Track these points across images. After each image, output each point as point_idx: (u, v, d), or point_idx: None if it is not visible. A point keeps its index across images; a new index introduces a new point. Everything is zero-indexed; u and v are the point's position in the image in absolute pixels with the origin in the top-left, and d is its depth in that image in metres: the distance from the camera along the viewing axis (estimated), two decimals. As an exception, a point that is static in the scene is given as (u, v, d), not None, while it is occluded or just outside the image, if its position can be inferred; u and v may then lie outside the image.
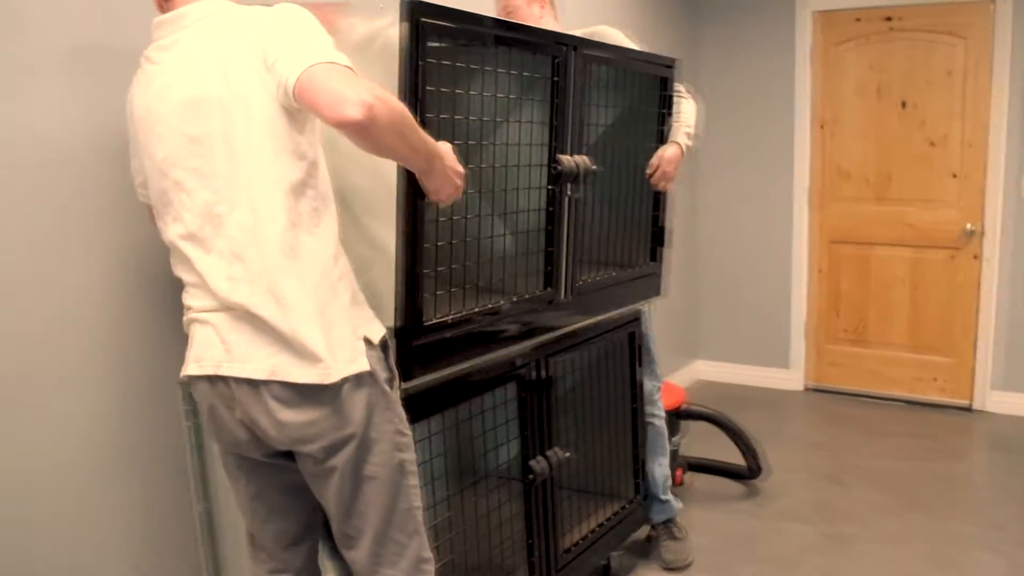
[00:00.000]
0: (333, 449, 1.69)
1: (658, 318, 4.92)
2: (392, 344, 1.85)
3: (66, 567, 2.04)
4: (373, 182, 1.88)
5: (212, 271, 1.66)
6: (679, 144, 2.95)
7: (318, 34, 1.59)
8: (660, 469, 3.25)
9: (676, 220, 5.10)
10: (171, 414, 2.23)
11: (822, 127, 5.02)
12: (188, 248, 1.69)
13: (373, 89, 1.49)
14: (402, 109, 1.55)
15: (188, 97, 1.63)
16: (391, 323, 1.92)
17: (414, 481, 1.79)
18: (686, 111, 3.02)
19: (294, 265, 1.63)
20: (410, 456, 1.79)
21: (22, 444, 1.94)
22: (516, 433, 2.52)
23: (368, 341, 1.72)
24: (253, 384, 1.66)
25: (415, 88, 1.84)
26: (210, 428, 1.82)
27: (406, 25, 1.80)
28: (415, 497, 1.79)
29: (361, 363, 1.69)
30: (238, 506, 1.93)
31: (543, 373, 2.54)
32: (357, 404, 1.69)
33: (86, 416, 2.06)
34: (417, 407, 2.06)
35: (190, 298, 1.74)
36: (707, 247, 5.43)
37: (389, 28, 1.82)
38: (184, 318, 1.77)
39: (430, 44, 1.88)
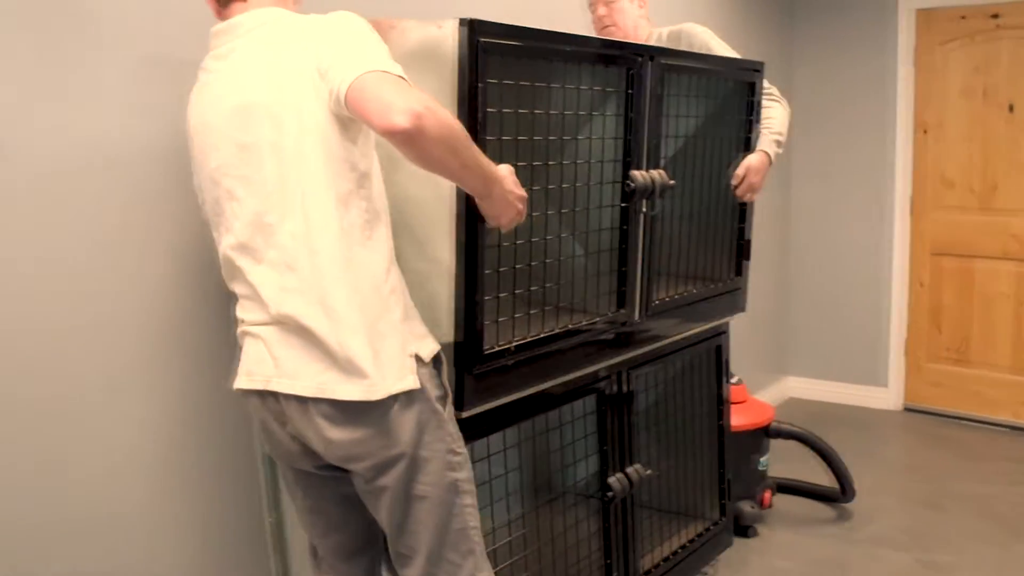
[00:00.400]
0: (382, 468, 1.65)
1: (747, 332, 4.78)
2: (446, 362, 1.79)
3: (140, 571, 2.02)
4: (433, 197, 1.83)
5: (264, 282, 1.63)
6: (766, 152, 2.80)
7: (373, 42, 1.55)
8: None
9: (766, 229, 4.93)
10: (241, 423, 2.20)
11: (924, 132, 4.78)
12: (239, 259, 1.66)
13: (424, 100, 1.45)
14: (454, 123, 1.50)
15: (239, 104, 1.60)
16: (450, 339, 1.86)
17: (469, 500, 1.73)
18: (775, 116, 2.87)
19: (345, 276, 1.59)
20: (464, 475, 1.72)
21: (91, 450, 1.93)
22: (595, 449, 2.43)
23: (419, 358, 1.67)
24: (301, 400, 1.63)
25: (474, 111, 1.77)
26: (264, 441, 1.80)
27: (465, 46, 1.74)
28: (470, 516, 1.73)
29: (409, 380, 1.63)
30: (298, 519, 1.90)
31: (624, 387, 2.43)
32: (406, 423, 1.63)
33: (156, 423, 2.05)
34: (490, 419, 2.00)
35: (242, 311, 1.72)
36: (799, 258, 5.22)
37: (446, 39, 1.76)
38: (236, 330, 1.74)
39: (492, 62, 1.81)
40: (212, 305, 2.12)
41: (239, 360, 1.73)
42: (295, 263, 1.59)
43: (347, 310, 1.58)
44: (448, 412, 1.72)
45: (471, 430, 1.94)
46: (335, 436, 1.62)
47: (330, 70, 1.51)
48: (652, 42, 3.02)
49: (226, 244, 1.69)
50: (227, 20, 1.67)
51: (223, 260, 1.73)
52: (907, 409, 4.97)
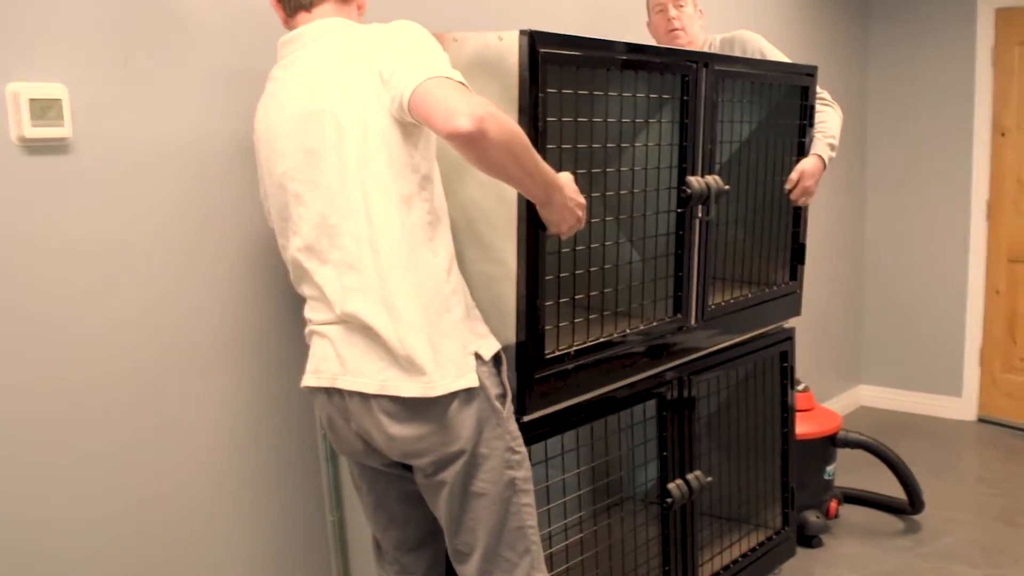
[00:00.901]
0: (442, 464, 1.68)
1: (819, 339, 4.70)
2: (506, 361, 1.81)
3: (207, 568, 2.08)
4: (497, 202, 1.84)
5: (329, 282, 1.68)
6: (820, 156, 2.76)
7: (434, 49, 1.58)
8: None
9: (840, 235, 4.84)
10: (306, 422, 2.24)
11: (1002, 135, 4.63)
12: (306, 260, 1.71)
13: (486, 104, 1.48)
14: (516, 129, 1.52)
15: (304, 111, 1.65)
16: (512, 342, 1.87)
17: (527, 500, 1.74)
18: (829, 120, 2.84)
19: (407, 276, 1.62)
20: (523, 474, 1.74)
21: (162, 447, 1.98)
22: (655, 454, 2.41)
23: (479, 357, 1.69)
24: (364, 397, 1.67)
25: (535, 120, 1.79)
26: (331, 438, 1.84)
27: (525, 57, 1.75)
28: (528, 516, 1.74)
29: (470, 379, 1.66)
30: (363, 512, 1.94)
31: (685, 392, 2.41)
32: (466, 420, 1.66)
33: (225, 421, 2.09)
34: (552, 422, 2.00)
35: (310, 311, 1.76)
36: (872, 264, 5.11)
37: (507, 50, 1.78)
38: (305, 330, 1.80)
39: (552, 72, 1.82)
40: (281, 306, 2.17)
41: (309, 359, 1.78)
42: (357, 263, 1.63)
43: (408, 308, 1.61)
44: (508, 411, 1.74)
45: (533, 432, 1.96)
46: (396, 432, 1.66)
47: (393, 77, 1.54)
48: (706, 50, 3.01)
49: (294, 247, 1.73)
50: (293, 30, 1.72)
51: (292, 264, 1.77)
52: (981, 420, 4.82)
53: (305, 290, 1.76)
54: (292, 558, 2.25)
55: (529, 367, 1.88)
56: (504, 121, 1.49)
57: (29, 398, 1.77)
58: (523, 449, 1.75)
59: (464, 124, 1.43)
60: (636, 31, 3.16)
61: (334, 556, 2.31)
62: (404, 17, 1.69)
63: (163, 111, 1.94)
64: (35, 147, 1.76)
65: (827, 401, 4.87)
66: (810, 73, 2.73)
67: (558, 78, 1.88)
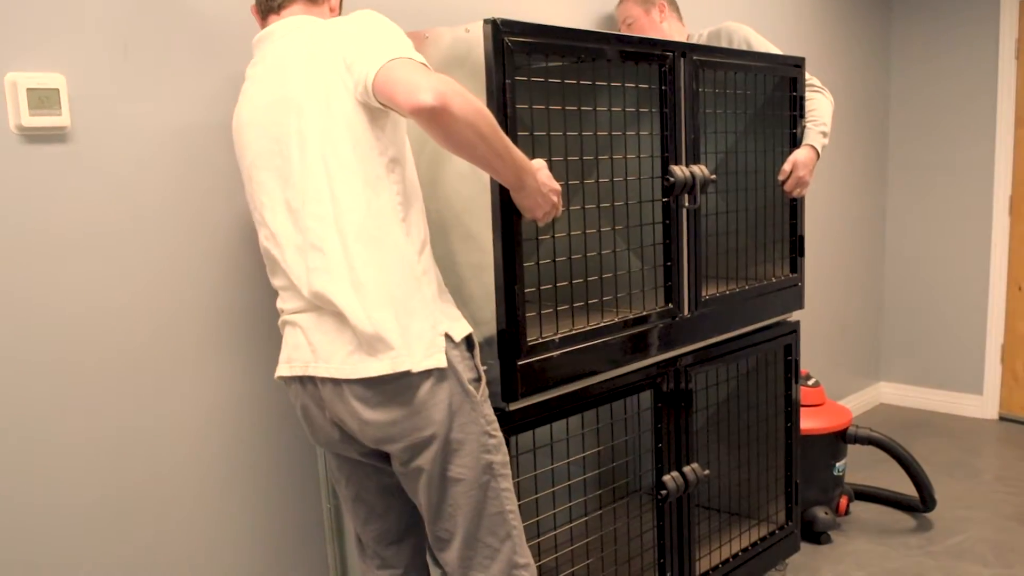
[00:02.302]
0: (416, 450, 1.68)
1: (838, 335, 4.65)
2: (479, 345, 1.82)
3: (202, 556, 2.11)
4: (478, 192, 1.86)
5: (295, 265, 1.69)
6: (812, 147, 2.75)
7: (396, 34, 1.60)
8: None
9: (861, 230, 4.79)
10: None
11: (1026, 130, 4.57)
12: (273, 248, 1.73)
13: (450, 82, 1.50)
14: (481, 107, 1.53)
15: (270, 100, 1.68)
16: (493, 330, 1.89)
17: (506, 484, 1.74)
18: (820, 107, 2.82)
19: (374, 255, 1.63)
20: (500, 458, 1.74)
21: (154, 436, 2.01)
22: (648, 447, 2.41)
23: (449, 338, 1.69)
24: (336, 383, 1.68)
25: (503, 107, 1.80)
26: (306, 427, 1.84)
27: (490, 45, 1.78)
28: (507, 500, 1.74)
29: (438, 359, 1.65)
30: (343, 507, 1.95)
31: (682, 384, 2.40)
32: (439, 404, 1.66)
33: (218, 409, 2.12)
34: (539, 411, 2.01)
35: (281, 301, 1.78)
36: (893, 259, 5.05)
37: (474, 40, 1.81)
38: (278, 321, 1.81)
39: (522, 60, 1.85)
40: (274, 295, 2.19)
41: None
42: (322, 243, 1.63)
43: (375, 286, 1.62)
44: (482, 394, 1.74)
45: (521, 420, 1.97)
46: (370, 417, 1.66)
47: (356, 62, 1.57)
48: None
49: (263, 236, 1.76)
50: (265, 29, 1.77)
51: (264, 254, 1.79)
52: (1002, 418, 4.75)
53: (276, 281, 1.78)
54: (288, 545, 2.28)
55: (511, 354, 1.89)
56: (469, 98, 1.51)
57: (25, 388, 1.81)
58: (499, 433, 1.75)
59: (427, 99, 1.46)
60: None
61: (330, 543, 2.33)
62: (396, 17, 1.73)
63: (161, 101, 1.98)
64: (33, 136, 1.80)
65: (846, 397, 4.82)
66: (797, 64, 2.71)
67: (543, 69, 1.89)
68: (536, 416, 2.01)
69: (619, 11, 3.06)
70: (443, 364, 1.66)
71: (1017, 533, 3.40)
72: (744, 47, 2.89)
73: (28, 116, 1.79)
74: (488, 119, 1.54)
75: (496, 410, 1.92)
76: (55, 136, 1.84)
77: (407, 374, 1.63)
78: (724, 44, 2.91)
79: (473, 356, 1.75)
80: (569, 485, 2.20)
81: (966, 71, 4.68)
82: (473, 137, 1.53)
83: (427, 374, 1.64)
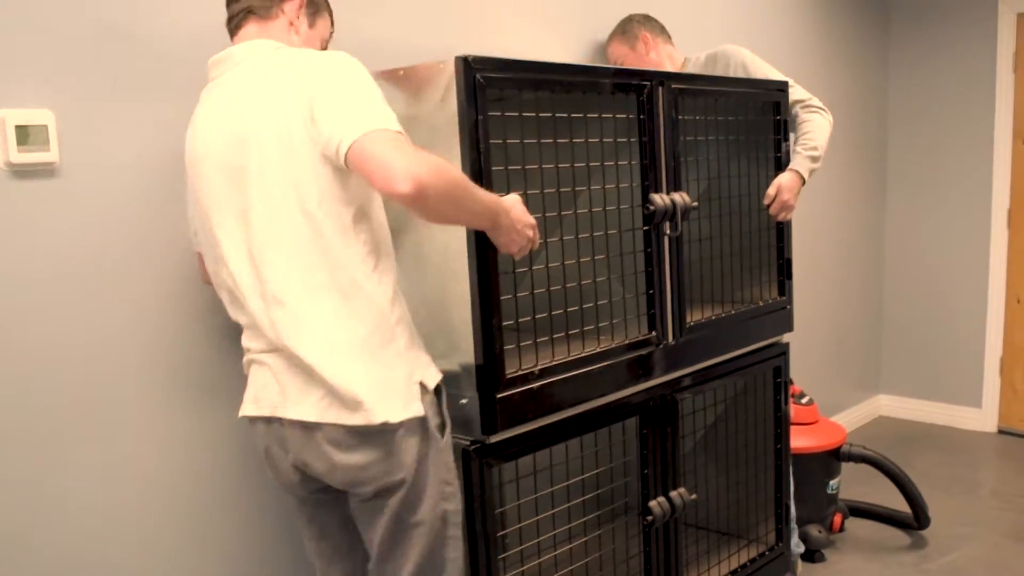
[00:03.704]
0: (384, 492, 1.68)
1: (836, 348, 4.65)
2: (446, 391, 1.81)
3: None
4: (460, 228, 1.86)
5: (258, 313, 1.66)
6: (796, 172, 2.75)
7: (370, 93, 1.55)
8: None
9: (859, 242, 4.79)
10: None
11: (1023, 142, 4.56)
12: (235, 289, 1.69)
13: (425, 160, 1.47)
14: (455, 178, 1.52)
15: (228, 137, 1.63)
16: (471, 364, 1.90)
17: (455, 532, 1.75)
18: (814, 129, 2.82)
19: (344, 308, 1.61)
20: (453, 507, 1.75)
21: (128, 468, 2.03)
22: (637, 471, 2.42)
23: (423, 386, 1.69)
24: (307, 427, 1.66)
25: (476, 143, 1.82)
26: (268, 469, 1.82)
27: (462, 81, 1.79)
28: (454, 548, 1.75)
29: (415, 408, 1.66)
30: (306, 550, 1.92)
31: (668, 409, 2.42)
32: (410, 449, 1.66)
33: (198, 442, 2.14)
34: (524, 443, 2.03)
35: (246, 339, 1.75)
36: (892, 271, 5.05)
37: (447, 76, 1.82)
38: (244, 359, 1.78)
39: (493, 95, 1.86)
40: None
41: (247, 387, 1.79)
42: (283, 296, 1.61)
43: (347, 342, 1.61)
44: (445, 441, 1.74)
45: (507, 451, 1.99)
46: (342, 460, 1.65)
47: (325, 120, 1.52)
48: (688, 68, 3.03)
49: (223, 273, 1.71)
50: (222, 52, 1.72)
51: (219, 287, 1.75)
52: (1001, 432, 4.74)
53: (240, 318, 1.75)
54: None
55: (489, 387, 1.90)
56: (444, 172, 1.48)
57: (15, 414, 1.83)
58: (456, 482, 1.77)
59: (403, 187, 1.43)
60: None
61: None
62: (375, 53, 1.69)
63: (150, 135, 1.99)
64: (22, 172, 1.82)
65: (845, 410, 4.82)
66: (780, 88, 2.73)
67: (531, 102, 1.90)
68: (517, 448, 2.02)
69: (608, 54, 3.09)
70: (421, 413, 1.66)
71: (1012, 551, 3.40)
72: (741, 71, 2.91)
73: (16, 152, 1.80)
74: (463, 187, 1.54)
75: (476, 442, 1.95)
76: (44, 172, 1.86)
77: (385, 423, 1.63)
78: (720, 68, 2.93)
79: (440, 403, 1.75)
80: (553, 514, 2.22)
81: (964, 84, 4.68)
82: (450, 209, 1.54)
83: (405, 422, 1.65)
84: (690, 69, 3.02)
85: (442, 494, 1.72)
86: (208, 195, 1.69)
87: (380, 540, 1.72)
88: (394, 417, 1.62)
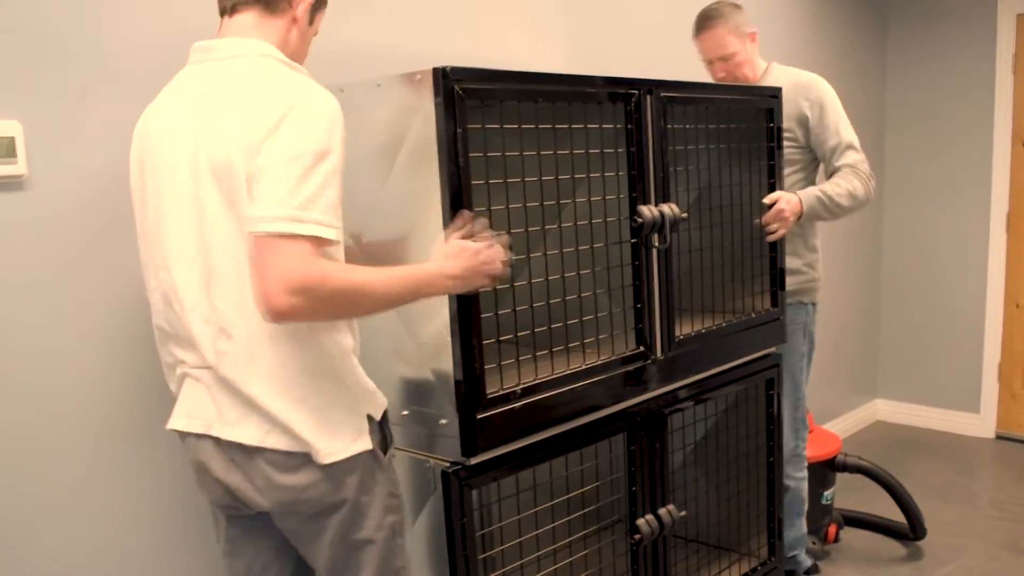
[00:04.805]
0: (324, 512, 1.63)
1: (834, 353, 4.60)
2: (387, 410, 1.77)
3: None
4: (430, 243, 1.80)
5: (201, 336, 1.58)
6: (800, 199, 2.70)
7: (315, 173, 1.45)
8: (792, 531, 3.04)
9: (856, 246, 4.74)
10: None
11: (1023, 144, 4.50)
12: (175, 302, 1.60)
13: (303, 284, 1.41)
14: (337, 291, 1.45)
15: (191, 152, 1.53)
16: (451, 384, 1.85)
17: (401, 541, 1.74)
18: (849, 191, 2.79)
19: (292, 350, 1.56)
20: (399, 517, 1.73)
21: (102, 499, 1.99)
22: (624, 489, 2.37)
23: (370, 418, 1.66)
24: (245, 449, 1.60)
25: (454, 157, 1.77)
26: (198, 482, 1.74)
27: (440, 94, 1.74)
28: (401, 557, 1.74)
29: (364, 442, 1.63)
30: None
31: (657, 426, 2.36)
32: (353, 471, 1.63)
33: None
34: (507, 462, 1.98)
35: (178, 350, 1.66)
36: (890, 275, 5.00)
37: (425, 88, 1.76)
38: (175, 369, 1.69)
39: (473, 106, 1.81)
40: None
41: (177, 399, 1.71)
42: (231, 329, 1.55)
43: (294, 379, 1.56)
44: (389, 458, 1.72)
45: (488, 472, 1.94)
46: (283, 481, 1.59)
47: (256, 190, 1.45)
48: (767, 80, 2.92)
49: (160, 278, 1.62)
50: (211, 40, 1.61)
51: (158, 294, 1.65)
52: (999, 437, 4.70)
53: (166, 327, 1.66)
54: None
55: (470, 407, 1.86)
56: (321, 291, 1.43)
57: (-26, 440, 1.79)
58: (400, 494, 1.75)
59: (268, 316, 1.44)
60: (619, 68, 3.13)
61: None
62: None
63: (119, 144, 1.92)
64: (-12, 185, 1.78)
65: (842, 415, 4.78)
66: (774, 95, 2.67)
67: (511, 113, 1.85)
68: (499, 468, 1.97)
69: (707, 41, 2.86)
70: (369, 447, 1.64)
71: (1007, 562, 3.35)
72: (816, 109, 2.84)
73: (-18, 165, 1.76)
74: (354, 293, 1.48)
75: (456, 464, 1.90)
76: (11, 184, 1.81)
77: (332, 464, 1.60)
78: (801, 96, 2.84)
79: (385, 425, 1.72)
80: (538, 534, 2.17)
81: (963, 87, 4.62)
82: (339, 313, 1.54)
83: (349, 457, 1.62)
84: (768, 81, 2.91)
85: (388, 508, 1.69)
86: (166, 198, 1.58)
87: (330, 559, 1.67)
88: (341, 455, 1.60)
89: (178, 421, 1.68)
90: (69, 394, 1.91)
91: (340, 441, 1.60)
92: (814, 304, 3.04)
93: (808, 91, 2.86)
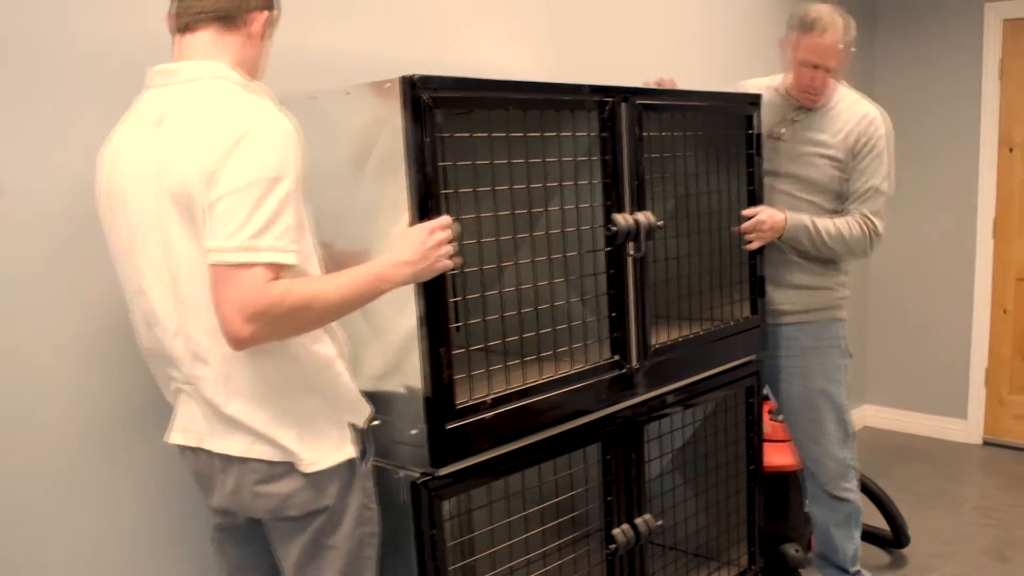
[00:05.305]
0: (308, 516, 1.68)
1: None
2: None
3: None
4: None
5: (182, 359, 1.63)
6: (786, 216, 2.70)
7: (270, 200, 1.45)
8: (851, 543, 3.00)
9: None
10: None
11: (1010, 150, 4.49)
12: (156, 327, 1.64)
13: (263, 305, 1.43)
14: (295, 308, 1.47)
15: (155, 185, 1.54)
16: (420, 395, 1.84)
17: (371, 552, 1.76)
18: (845, 235, 2.79)
19: (269, 368, 1.59)
20: (371, 529, 1.76)
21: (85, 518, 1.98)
22: (600, 498, 2.36)
23: (353, 427, 1.70)
24: (232, 459, 1.65)
25: (422, 166, 1.76)
26: (201, 492, 1.81)
27: (408, 103, 1.73)
28: (369, 569, 1.76)
29: (348, 451, 1.68)
30: None
31: (633, 435, 2.35)
32: (335, 479, 1.67)
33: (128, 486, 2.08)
34: (485, 469, 1.98)
35: (168, 367, 1.70)
36: (877, 281, 4.99)
37: (393, 97, 1.75)
38: (172, 385, 1.73)
39: (446, 115, 1.81)
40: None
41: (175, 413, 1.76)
42: (207, 355, 1.59)
43: (273, 394, 1.60)
44: (367, 467, 1.75)
45: (458, 483, 1.93)
46: (267, 490, 1.65)
47: (210, 217, 1.46)
48: (834, 100, 2.83)
49: (143, 305, 1.64)
50: (171, 64, 1.60)
51: (139, 316, 1.68)
52: (986, 443, 4.68)
53: (153, 345, 1.70)
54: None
55: (439, 418, 1.85)
56: (282, 310, 1.45)
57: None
58: (375, 505, 1.77)
59: (231, 344, 1.46)
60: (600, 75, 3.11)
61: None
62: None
63: (86, 156, 1.90)
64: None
65: (829, 421, 4.76)
66: (753, 102, 2.66)
67: (483, 122, 1.83)
68: (471, 479, 1.96)
69: (819, 48, 2.69)
70: (352, 455, 1.68)
71: (991, 570, 3.34)
72: (869, 146, 2.77)
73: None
74: (309, 312, 1.50)
75: (425, 474, 1.88)
76: (-19, 192, 1.80)
77: (316, 472, 1.65)
78: (863, 127, 2.77)
79: (367, 434, 1.75)
80: (511, 545, 2.16)
81: (950, 92, 4.62)
82: (300, 329, 1.54)
83: (332, 466, 1.67)
84: (834, 102, 2.83)
85: (360, 519, 1.73)
86: (138, 219, 1.59)
87: (295, 559, 1.71)
88: (324, 464, 1.65)
89: (176, 436, 1.74)
90: (47, 398, 1.90)
91: (323, 450, 1.65)
92: (844, 320, 3.00)
93: (867, 129, 2.78)
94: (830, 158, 2.80)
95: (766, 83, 2.96)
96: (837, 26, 2.68)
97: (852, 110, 2.82)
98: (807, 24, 2.69)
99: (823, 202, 2.84)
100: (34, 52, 1.85)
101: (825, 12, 2.69)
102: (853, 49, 2.75)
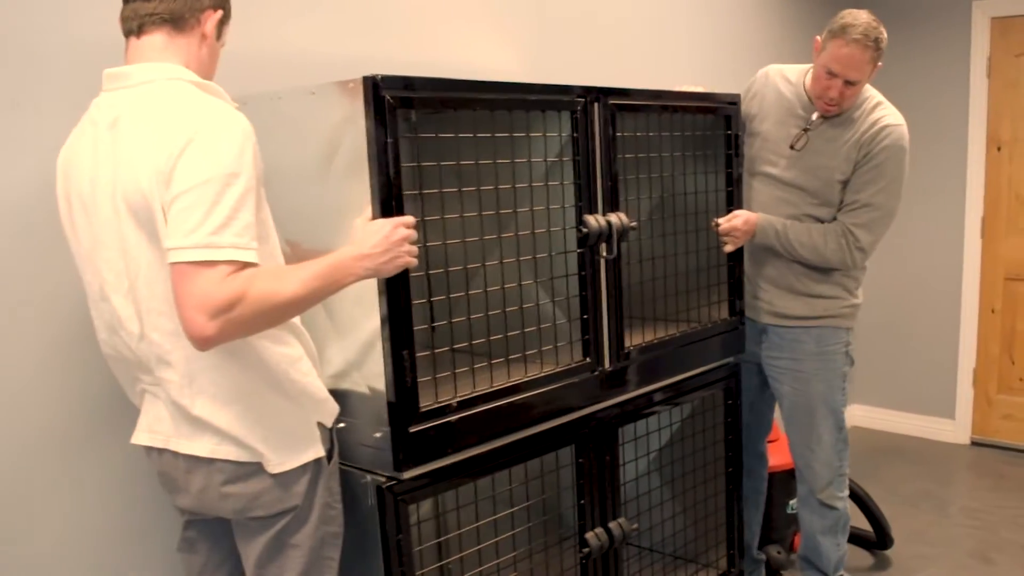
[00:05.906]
0: (275, 516, 1.69)
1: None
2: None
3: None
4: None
5: (146, 359, 1.63)
6: (759, 222, 2.68)
7: (229, 196, 1.44)
8: (837, 551, 2.96)
9: (826, 250, 4.70)
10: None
11: (998, 149, 4.47)
12: (120, 329, 1.63)
13: (225, 301, 1.41)
14: (257, 303, 1.45)
15: (111, 190, 1.53)
16: (383, 398, 1.82)
17: (332, 553, 1.77)
18: (822, 245, 2.71)
19: (234, 364, 1.59)
20: (334, 529, 1.77)
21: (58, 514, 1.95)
22: (574, 501, 2.33)
23: (321, 426, 1.71)
24: (199, 460, 1.65)
25: (384, 167, 1.73)
26: (167, 492, 1.80)
27: (370, 103, 1.71)
28: (329, 569, 1.76)
29: (316, 450, 1.69)
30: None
31: (606, 437, 2.33)
32: (302, 479, 1.68)
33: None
34: (452, 473, 1.95)
35: (135, 370, 1.69)
36: (864, 279, 4.94)
37: (357, 97, 1.72)
38: (136, 386, 1.73)
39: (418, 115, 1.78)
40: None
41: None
42: (169, 357, 1.59)
43: (239, 394, 1.61)
44: (333, 465, 1.76)
45: (429, 485, 1.91)
46: (234, 491, 1.66)
47: (172, 215, 1.44)
48: (852, 112, 2.75)
49: (106, 311, 1.64)
50: (122, 67, 1.59)
51: (102, 321, 1.67)
52: (974, 443, 4.66)
53: (122, 351, 1.68)
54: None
55: (402, 421, 1.82)
56: (245, 306, 1.43)
57: None
58: (339, 505, 1.78)
59: (196, 344, 1.44)
60: (584, 75, 3.09)
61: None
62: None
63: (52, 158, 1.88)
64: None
65: (816, 421, 4.74)
66: (732, 102, 2.63)
67: (453, 121, 1.81)
68: (437, 482, 1.93)
69: (850, 60, 2.59)
70: (320, 455, 1.69)
71: (976, 572, 3.32)
72: (883, 155, 2.68)
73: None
74: (271, 300, 1.47)
75: (391, 478, 1.86)
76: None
77: (283, 472, 1.66)
78: (879, 138, 2.68)
79: (332, 433, 1.77)
80: (480, 549, 2.13)
81: (938, 90, 4.59)
82: (268, 323, 1.51)
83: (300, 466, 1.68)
84: (852, 114, 2.74)
85: (324, 518, 1.73)
86: (97, 224, 1.58)
87: (257, 556, 1.71)
88: (291, 464, 1.66)
89: (141, 436, 1.74)
90: (9, 398, 1.87)
91: (290, 450, 1.66)
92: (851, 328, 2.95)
93: (881, 142, 2.70)
94: (837, 176, 2.74)
95: (793, 75, 2.84)
96: (867, 39, 2.56)
97: (866, 119, 2.72)
98: (836, 28, 2.61)
99: (826, 215, 2.79)
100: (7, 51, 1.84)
101: (862, 22, 2.58)
102: (880, 64, 2.65)
